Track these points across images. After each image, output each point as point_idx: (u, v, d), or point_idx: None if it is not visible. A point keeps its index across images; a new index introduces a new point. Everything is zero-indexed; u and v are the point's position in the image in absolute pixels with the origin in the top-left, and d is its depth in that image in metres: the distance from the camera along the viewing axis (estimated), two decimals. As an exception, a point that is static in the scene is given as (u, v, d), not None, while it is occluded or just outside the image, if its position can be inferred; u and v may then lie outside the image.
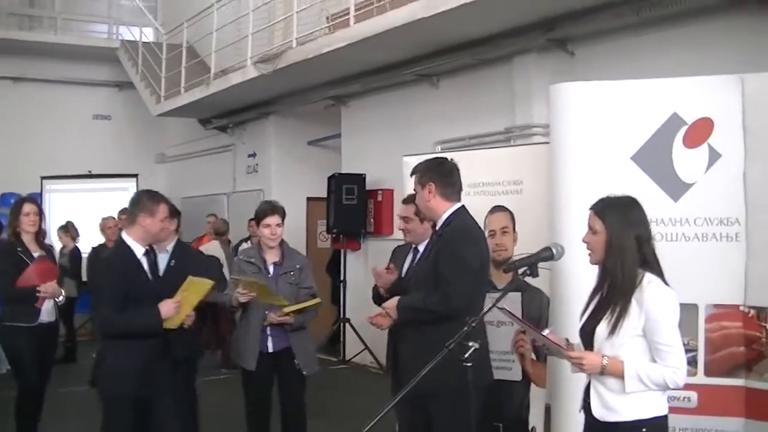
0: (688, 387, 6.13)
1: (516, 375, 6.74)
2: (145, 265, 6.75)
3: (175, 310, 6.67)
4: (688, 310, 6.12)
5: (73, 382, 11.73)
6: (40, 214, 8.47)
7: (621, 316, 4.56)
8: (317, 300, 7.43)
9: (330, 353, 15.80)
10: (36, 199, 8.32)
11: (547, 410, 6.94)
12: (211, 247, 14.49)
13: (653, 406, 4.62)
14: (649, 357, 4.58)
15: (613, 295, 4.64)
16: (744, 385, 6.20)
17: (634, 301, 4.56)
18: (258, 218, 7.54)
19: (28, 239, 8.41)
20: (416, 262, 6.33)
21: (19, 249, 8.31)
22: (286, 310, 7.23)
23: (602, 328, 4.63)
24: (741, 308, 6.21)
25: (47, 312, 8.34)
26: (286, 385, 7.56)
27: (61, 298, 8.45)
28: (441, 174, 6.10)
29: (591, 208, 4.77)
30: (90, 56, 22.55)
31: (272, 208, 7.54)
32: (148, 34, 22.08)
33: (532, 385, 6.88)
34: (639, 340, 4.57)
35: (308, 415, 7.75)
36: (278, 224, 7.46)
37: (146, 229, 6.70)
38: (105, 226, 12.21)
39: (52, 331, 8.59)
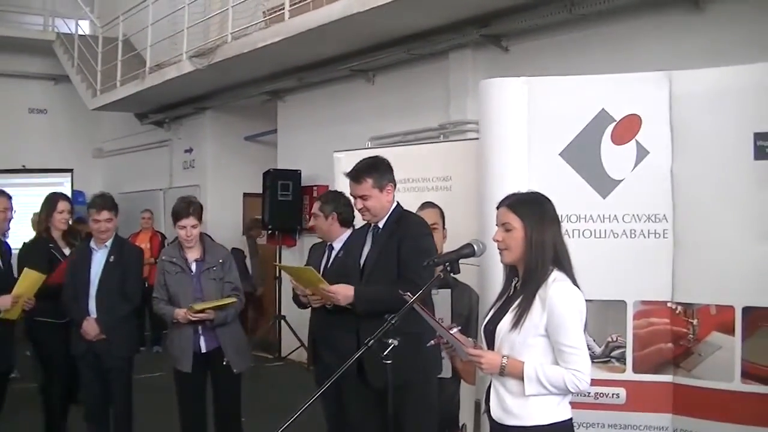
0: (616, 383, 6.23)
1: (446, 372, 6.71)
2: None
3: (12, 304, 7.50)
4: (616, 307, 6.19)
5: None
6: (72, 211, 8.45)
7: (524, 311, 4.41)
8: (231, 299, 7.35)
9: (266, 350, 15.73)
10: (68, 195, 8.21)
11: (477, 407, 6.93)
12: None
13: (554, 411, 4.46)
14: (551, 359, 4.44)
15: (521, 291, 4.53)
16: (672, 381, 6.23)
17: (537, 299, 4.41)
18: (174, 218, 7.46)
19: (57, 236, 8.43)
20: (368, 256, 6.21)
21: (51, 245, 8.31)
22: (197, 307, 7.16)
23: (504, 324, 4.49)
24: (669, 305, 6.24)
25: None
26: (220, 383, 7.50)
27: None
28: (392, 171, 6.15)
29: (503, 205, 4.63)
30: (25, 48, 22.25)
31: (187, 209, 7.44)
32: (84, 27, 21.82)
33: (462, 382, 6.86)
34: (541, 341, 4.42)
35: (243, 413, 7.71)
36: (193, 225, 7.39)
37: None
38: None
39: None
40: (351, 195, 6.23)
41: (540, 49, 10.84)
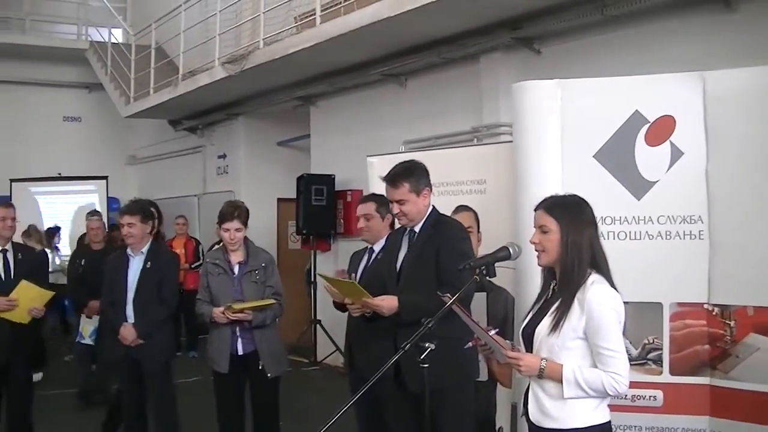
0: (653, 386, 6.19)
1: (482, 375, 6.70)
2: None
3: (7, 306, 7.82)
4: (652, 309, 6.16)
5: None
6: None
7: (563, 314, 4.42)
8: (271, 301, 7.37)
9: (302, 355, 15.75)
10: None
11: (514, 410, 6.92)
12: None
13: (592, 414, 4.46)
14: (590, 362, 4.44)
15: (559, 294, 4.53)
16: (709, 383, 6.20)
17: (576, 301, 4.41)
18: (219, 221, 7.52)
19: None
20: (404, 260, 6.21)
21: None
22: (236, 307, 7.20)
23: (543, 327, 4.50)
24: (705, 306, 6.21)
25: None
26: (257, 387, 7.52)
27: None
28: (428, 176, 6.14)
29: (540, 208, 4.63)
30: (59, 57, 22.48)
31: (232, 213, 7.50)
32: (117, 35, 21.97)
33: (498, 385, 6.85)
34: (580, 344, 4.43)
35: (281, 417, 7.71)
36: (237, 229, 7.44)
37: None
38: (89, 226, 11.86)
39: None
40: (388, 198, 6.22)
41: (572, 51, 10.80)
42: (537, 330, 4.55)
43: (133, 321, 7.82)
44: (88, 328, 10.83)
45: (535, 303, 4.78)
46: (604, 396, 4.46)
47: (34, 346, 8.56)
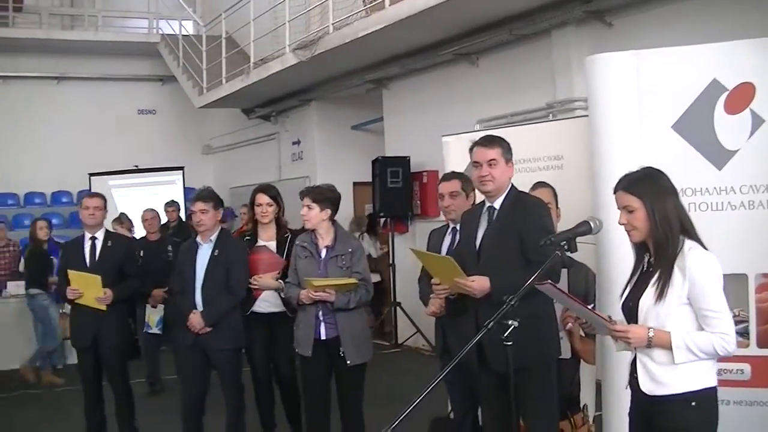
0: (740, 359, 6.06)
1: (565, 352, 6.64)
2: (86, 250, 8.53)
3: (72, 294, 8.35)
4: (737, 281, 6.04)
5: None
6: (278, 204, 8.44)
7: (666, 283, 4.48)
8: (352, 280, 7.31)
9: (382, 338, 15.79)
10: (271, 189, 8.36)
11: (598, 387, 6.86)
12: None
13: (702, 378, 4.52)
14: (696, 326, 4.49)
15: (657, 265, 4.55)
16: (797, 355, 6.09)
17: (676, 269, 4.47)
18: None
19: (260, 229, 8.46)
20: (484, 238, 6.16)
21: (247, 237, 8.44)
22: (316, 283, 7.17)
23: (647, 298, 4.55)
24: (792, 276, 6.09)
25: (267, 302, 8.33)
26: (340, 372, 7.50)
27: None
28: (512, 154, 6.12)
29: (619, 188, 4.66)
30: (131, 52, 22.81)
31: (305, 190, 7.59)
32: (188, 27, 22.14)
33: (582, 363, 6.79)
34: (685, 309, 4.49)
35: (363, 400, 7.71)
36: (308, 206, 7.42)
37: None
38: (143, 218, 12.21)
39: (273, 323, 8.45)
40: (475, 162, 6.13)
41: (644, 22, 10.67)
42: (641, 302, 4.59)
43: (201, 309, 7.90)
44: (154, 317, 11.04)
45: (630, 277, 4.80)
46: (714, 357, 4.52)
47: (124, 334, 8.69)
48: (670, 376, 4.51)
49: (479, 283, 5.90)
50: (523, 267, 5.75)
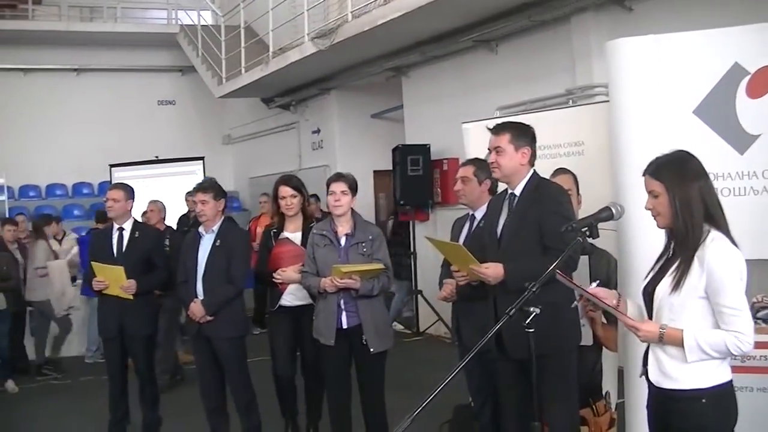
0: (764, 346, 6.02)
1: (587, 339, 6.62)
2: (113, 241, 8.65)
3: (97, 285, 8.49)
4: (760, 266, 5.96)
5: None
6: (302, 195, 8.32)
7: (683, 273, 4.36)
8: (379, 265, 7.30)
9: (404, 326, 15.79)
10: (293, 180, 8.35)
11: (620, 374, 6.83)
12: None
13: (714, 374, 4.39)
14: (711, 322, 4.37)
15: (677, 254, 4.47)
16: (824, 340, 6.04)
17: (696, 259, 4.35)
18: (327, 186, 7.50)
19: (287, 222, 8.37)
20: (504, 226, 6.16)
21: (274, 230, 8.37)
22: (344, 269, 7.13)
23: (663, 286, 4.46)
24: (814, 261, 6.03)
25: (293, 295, 8.25)
26: (361, 361, 7.50)
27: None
28: (534, 141, 6.09)
29: (646, 173, 4.57)
30: (151, 43, 22.92)
31: (338, 175, 7.57)
32: (206, 18, 22.17)
33: (604, 349, 6.76)
34: (701, 303, 4.36)
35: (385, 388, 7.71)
36: (343, 191, 7.39)
37: None
38: (147, 209, 12.38)
39: (298, 315, 8.31)
40: (488, 149, 6.17)
41: (664, 6, 10.60)
42: (657, 289, 4.51)
43: (202, 297, 7.96)
44: None
45: (655, 262, 4.70)
46: (727, 356, 4.40)
47: (151, 323, 8.84)
48: (680, 371, 4.41)
49: (493, 270, 5.91)
50: (540, 254, 5.75)
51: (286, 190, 8.20)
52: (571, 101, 11.57)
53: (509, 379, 6.04)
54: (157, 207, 12.42)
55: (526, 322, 4.56)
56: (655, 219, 4.58)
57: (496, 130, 6.07)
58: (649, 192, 4.54)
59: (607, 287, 5.73)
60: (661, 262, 4.64)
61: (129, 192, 8.80)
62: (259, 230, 11.26)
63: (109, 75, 23.07)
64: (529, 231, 5.88)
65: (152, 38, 22.82)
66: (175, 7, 23.21)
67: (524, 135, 6.04)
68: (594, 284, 4.80)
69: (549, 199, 5.92)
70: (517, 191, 6.02)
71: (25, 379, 12.64)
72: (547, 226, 5.78)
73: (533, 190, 5.98)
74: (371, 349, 7.31)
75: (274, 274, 8.07)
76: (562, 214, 5.77)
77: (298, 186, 8.27)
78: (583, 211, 6.60)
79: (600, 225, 4.86)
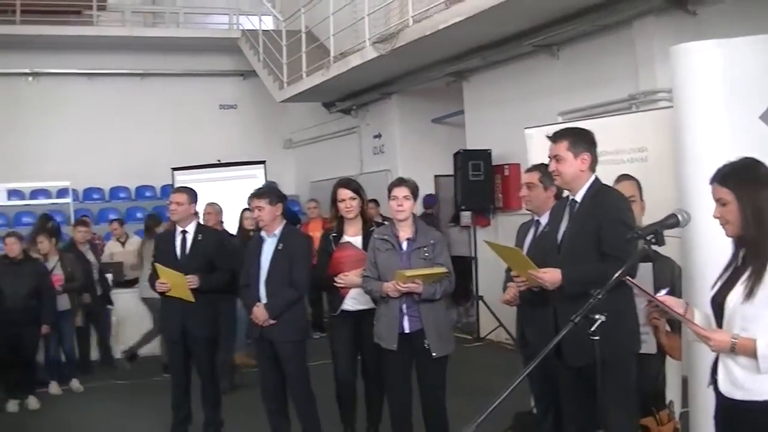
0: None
1: (650, 348, 6.57)
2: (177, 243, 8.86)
3: (161, 287, 8.68)
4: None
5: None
6: (360, 198, 8.25)
7: (756, 282, 4.25)
8: (443, 269, 7.29)
9: (465, 332, 15.76)
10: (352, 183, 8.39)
11: (684, 383, 6.77)
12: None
13: None
14: None
15: (749, 262, 4.37)
16: None
17: None
18: (388, 191, 7.51)
19: (346, 225, 8.34)
20: (565, 232, 6.14)
21: (333, 234, 8.36)
22: (408, 274, 7.11)
23: (735, 296, 4.34)
24: None
25: (355, 300, 8.22)
26: (423, 366, 7.48)
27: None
28: (593, 146, 6.07)
29: (714, 180, 4.46)
30: (213, 48, 23.05)
31: (401, 180, 7.58)
32: (268, 23, 22.26)
33: (668, 358, 6.71)
34: None
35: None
36: (405, 196, 7.39)
37: None
38: (204, 212, 12.47)
39: (359, 320, 8.26)
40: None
41: (729, 10, 10.48)
42: (728, 298, 4.41)
43: (265, 301, 8.03)
44: None
45: (723, 271, 4.60)
46: None
47: (213, 325, 9.01)
48: (753, 382, 4.29)
49: (551, 275, 5.91)
50: (599, 260, 5.72)
51: (345, 193, 8.19)
52: (633, 107, 11.49)
53: (568, 386, 6.05)
54: (214, 209, 12.50)
55: (592, 329, 4.54)
56: (723, 227, 4.48)
57: (555, 137, 6.08)
58: (717, 200, 4.44)
59: (672, 295, 5.69)
60: (729, 271, 4.53)
61: (192, 195, 8.94)
62: (315, 235, 11.34)
63: (172, 80, 23.24)
64: (588, 237, 5.86)
65: (214, 43, 22.95)
66: (237, 13, 23.28)
67: (583, 141, 6.02)
68: (663, 291, 4.74)
69: (609, 205, 5.90)
70: (578, 197, 6.01)
71: (89, 378, 12.83)
72: (606, 232, 5.76)
73: (593, 196, 5.97)
74: (433, 354, 7.29)
75: (336, 278, 8.08)
76: (622, 221, 5.76)
77: (357, 189, 8.27)
78: (647, 218, 6.56)
79: (665, 232, 4.82)
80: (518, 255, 6.40)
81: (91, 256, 13.41)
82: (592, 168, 6.04)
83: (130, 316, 14.32)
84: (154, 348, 13.52)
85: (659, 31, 11.43)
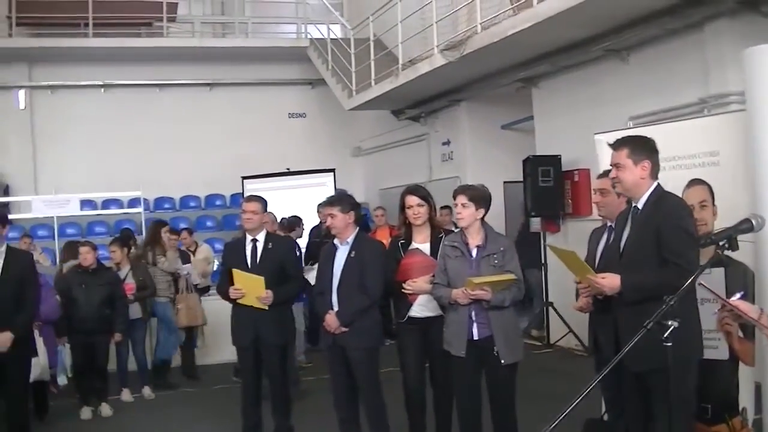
0: None
1: (722, 354, 6.50)
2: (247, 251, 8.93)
3: (234, 293, 8.74)
4: None
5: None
6: (429, 204, 8.23)
7: None
8: (511, 276, 7.27)
9: (535, 337, 15.70)
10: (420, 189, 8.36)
11: (757, 389, 6.69)
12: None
13: None
14: None
15: None
16: None
17: None
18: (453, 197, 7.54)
19: (414, 232, 8.30)
20: (627, 238, 6.11)
21: (402, 241, 8.35)
22: (476, 281, 7.11)
23: None
24: None
25: (423, 306, 8.15)
26: (492, 373, 7.45)
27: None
28: (654, 153, 6.04)
29: None
30: (281, 57, 23.19)
31: (460, 188, 7.58)
32: (336, 31, 22.33)
33: (741, 364, 6.63)
34: None
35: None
36: (463, 204, 7.40)
37: None
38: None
39: (427, 327, 8.18)
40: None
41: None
42: None
43: (337, 309, 8.07)
44: None
45: None
46: None
47: (285, 332, 9.16)
48: None
49: (609, 281, 5.93)
50: (659, 266, 5.68)
51: (412, 200, 8.19)
52: (705, 110, 11.37)
53: (631, 391, 6.04)
54: (269, 219, 12.55)
55: (665, 335, 4.51)
56: None
57: (615, 145, 6.09)
58: None
59: (745, 300, 5.63)
60: None
61: (264, 204, 9.06)
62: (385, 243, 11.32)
63: (241, 89, 23.44)
64: (649, 243, 5.85)
65: (282, 52, 23.09)
66: (305, 21, 23.41)
67: (643, 148, 6.01)
68: (737, 296, 4.70)
69: (669, 211, 5.87)
70: (640, 204, 6.02)
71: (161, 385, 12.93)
72: (666, 238, 5.75)
73: (654, 203, 5.95)
74: (502, 361, 7.27)
75: (404, 285, 8.07)
76: (682, 228, 5.74)
77: (424, 195, 8.26)
78: (719, 223, 6.49)
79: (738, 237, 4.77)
80: (576, 259, 6.38)
81: (178, 263, 13.57)
82: (654, 175, 6.01)
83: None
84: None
85: (731, 34, 11.29)
